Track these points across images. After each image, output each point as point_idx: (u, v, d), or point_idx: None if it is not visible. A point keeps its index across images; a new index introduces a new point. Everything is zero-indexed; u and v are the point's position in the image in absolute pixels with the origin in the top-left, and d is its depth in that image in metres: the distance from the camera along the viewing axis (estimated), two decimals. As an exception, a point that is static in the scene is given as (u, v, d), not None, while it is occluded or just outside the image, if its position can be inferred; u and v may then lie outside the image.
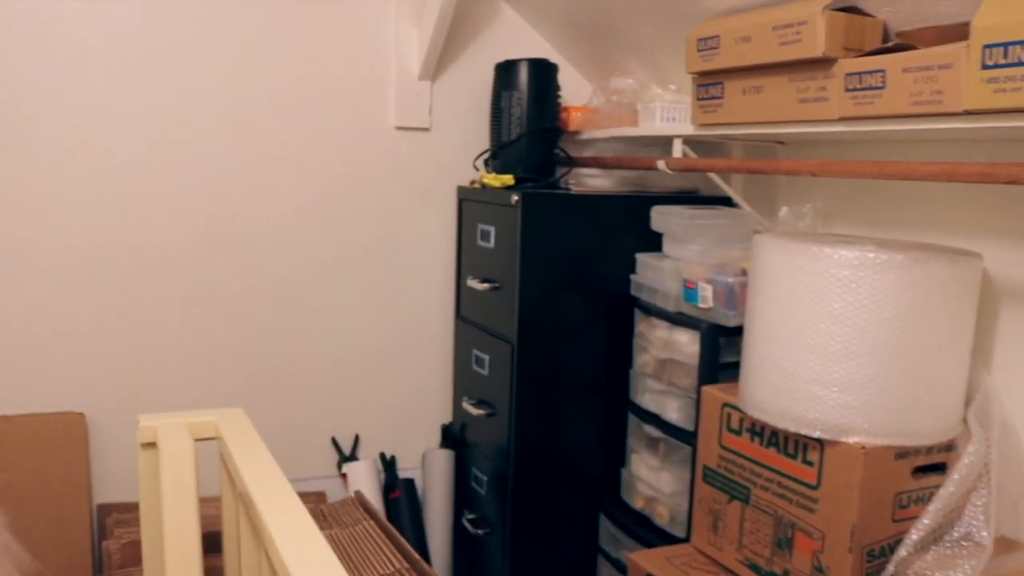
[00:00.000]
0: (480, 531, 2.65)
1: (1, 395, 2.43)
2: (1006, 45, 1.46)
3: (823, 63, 1.81)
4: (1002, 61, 1.46)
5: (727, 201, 2.52)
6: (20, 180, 2.38)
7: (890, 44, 1.77)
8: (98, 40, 2.41)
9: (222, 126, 2.56)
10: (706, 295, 2.15)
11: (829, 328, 1.73)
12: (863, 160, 1.91)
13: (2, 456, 2.36)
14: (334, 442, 2.80)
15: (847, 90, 1.77)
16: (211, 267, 2.58)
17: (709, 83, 2.14)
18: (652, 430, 2.38)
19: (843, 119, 1.79)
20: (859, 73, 1.74)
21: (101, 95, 2.43)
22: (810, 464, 1.81)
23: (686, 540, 2.23)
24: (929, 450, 1.79)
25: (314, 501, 2.65)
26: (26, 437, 2.39)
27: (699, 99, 2.19)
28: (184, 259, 2.56)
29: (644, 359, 2.41)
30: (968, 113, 1.54)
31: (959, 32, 1.60)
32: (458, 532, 2.82)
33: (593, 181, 2.69)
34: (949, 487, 1.74)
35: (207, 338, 2.61)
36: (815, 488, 1.80)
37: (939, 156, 1.92)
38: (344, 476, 2.75)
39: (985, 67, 1.49)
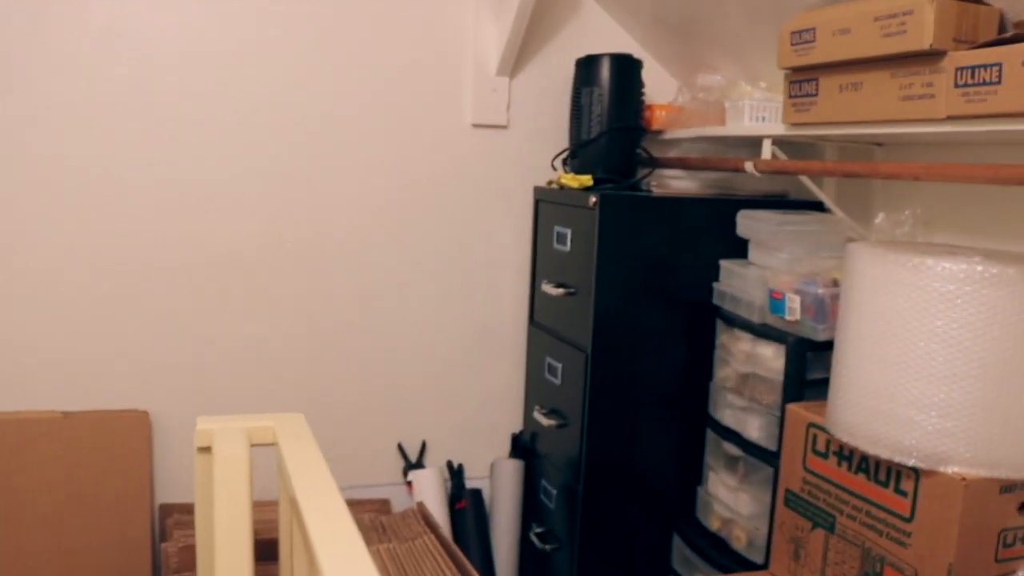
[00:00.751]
0: (548, 546, 2.54)
1: (65, 391, 2.41)
2: None
3: (931, 56, 1.66)
4: None
5: (819, 206, 2.36)
6: (98, 175, 2.36)
7: (1008, 35, 1.61)
8: (173, 40, 2.37)
9: (296, 126, 2.50)
10: (794, 306, 2.00)
11: (930, 347, 1.58)
12: (975, 164, 1.75)
13: (65, 453, 2.33)
14: (400, 449, 2.72)
15: (957, 86, 1.61)
16: (280, 269, 2.53)
17: (803, 79, 2.00)
18: (731, 448, 2.24)
19: (951, 118, 1.64)
20: (972, 67, 1.59)
21: (178, 96, 2.40)
22: (903, 494, 1.66)
23: (764, 567, 2.09)
24: (1039, 484, 1.63)
25: (378, 509, 2.58)
26: (89, 434, 2.36)
27: (791, 96, 2.04)
28: (254, 260, 2.51)
29: (725, 372, 2.28)
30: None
31: (1086, 23, 1.44)
32: (525, 546, 2.72)
33: (676, 183, 2.56)
34: (1061, 527, 1.58)
35: (275, 340, 2.56)
36: (909, 521, 1.65)
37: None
38: (410, 484, 2.67)
39: (1118, 60, 1.33)
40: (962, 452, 1.58)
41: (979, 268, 1.54)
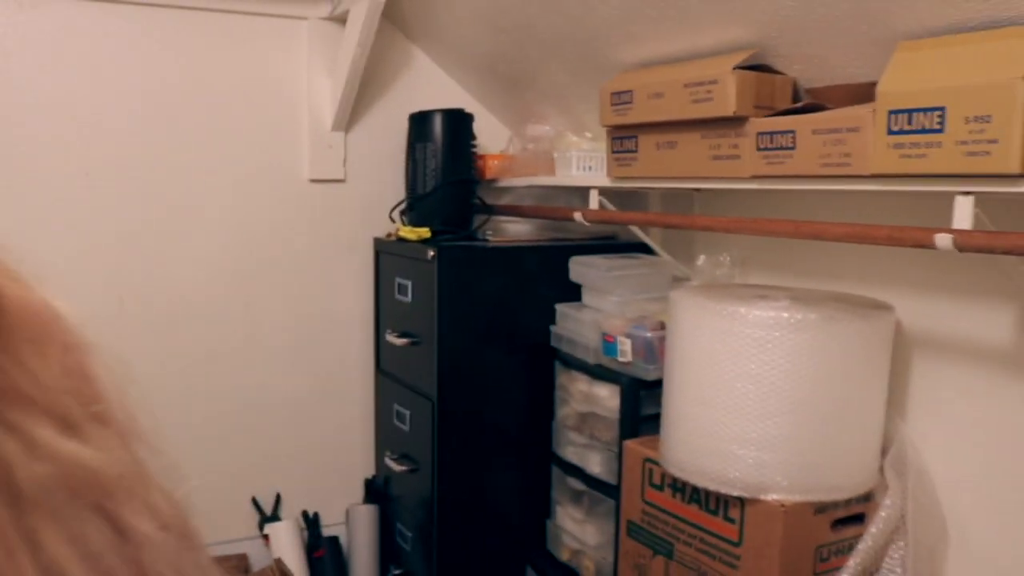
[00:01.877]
0: (405, 588, 2.60)
1: None
2: (911, 112, 1.48)
3: (735, 121, 1.82)
4: (907, 127, 1.48)
5: (646, 248, 2.52)
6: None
7: (800, 104, 1.79)
8: (13, 110, 2.33)
9: (130, 178, 2.49)
10: (625, 349, 2.14)
11: (746, 388, 1.73)
12: (777, 219, 1.93)
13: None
14: (255, 502, 2.73)
15: (759, 149, 1.78)
16: (120, 328, 2.50)
17: (624, 136, 2.15)
18: (575, 483, 2.36)
19: (755, 177, 1.80)
20: (770, 133, 1.75)
21: (21, 159, 2.35)
22: (731, 521, 1.81)
23: (612, 594, 2.21)
24: (848, 503, 1.80)
25: (235, 565, 2.58)
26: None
27: (614, 152, 2.19)
28: (90, 320, 2.47)
29: (566, 411, 2.40)
30: (875, 176, 1.56)
31: (867, 92, 1.62)
32: (383, 588, 2.77)
33: (512, 228, 2.68)
34: (867, 540, 1.76)
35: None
36: (737, 545, 1.80)
37: (853, 211, 1.94)
38: (266, 537, 2.68)
39: (891, 132, 1.51)
40: (779, 480, 1.74)
41: (785, 315, 1.70)
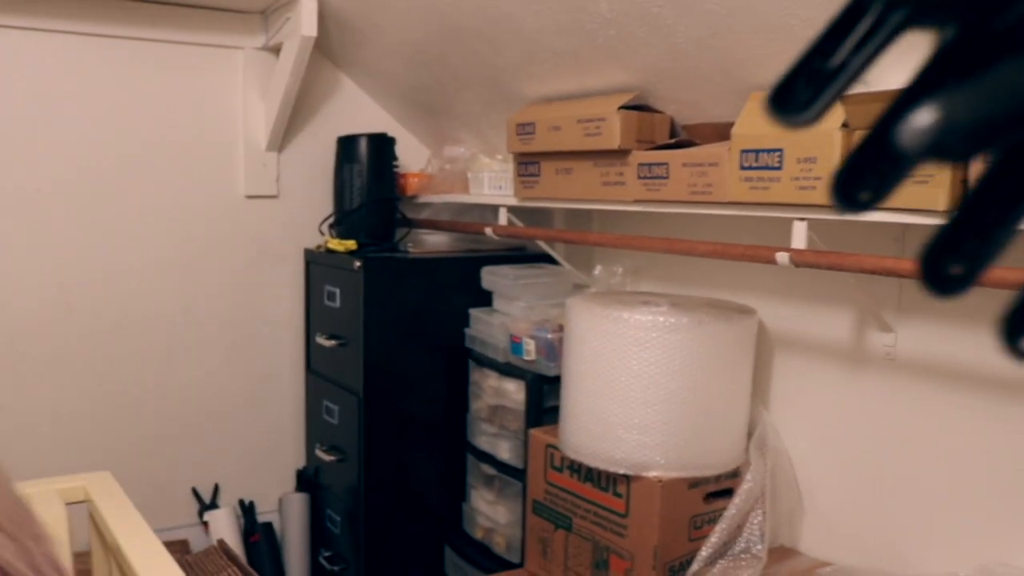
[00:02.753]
0: (336, 567, 2.86)
1: None
2: (757, 152, 1.80)
3: (620, 153, 2.13)
4: (754, 164, 1.81)
5: (550, 259, 2.82)
6: None
7: (673, 141, 2.10)
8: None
9: (79, 195, 2.69)
10: (530, 349, 2.44)
11: (628, 381, 2.04)
12: (656, 237, 2.24)
13: None
14: (195, 492, 2.96)
15: (640, 177, 2.09)
16: (69, 333, 2.71)
17: (528, 162, 2.44)
18: (488, 468, 2.65)
19: (637, 201, 2.11)
20: (648, 164, 2.06)
21: (-43, 172, 2.55)
22: (619, 496, 2.11)
23: (521, 566, 2.50)
24: (718, 479, 2.12)
25: (178, 550, 2.81)
26: None
27: (519, 175, 2.48)
28: (42, 325, 2.68)
29: (479, 405, 2.68)
30: (731, 203, 1.88)
31: (728, 130, 1.93)
32: (316, 570, 3.02)
33: (431, 240, 2.95)
34: (731, 510, 2.07)
35: (71, 402, 2.74)
36: (624, 516, 2.10)
37: (718, 230, 2.26)
38: (206, 524, 2.91)
39: (743, 168, 1.83)
40: (658, 460, 2.05)
41: (661, 319, 2.01)
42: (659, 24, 1.88)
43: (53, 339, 2.70)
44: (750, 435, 2.20)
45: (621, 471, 2.07)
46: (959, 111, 0.30)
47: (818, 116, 0.36)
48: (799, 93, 0.36)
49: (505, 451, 2.56)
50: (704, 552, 2.05)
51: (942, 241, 0.35)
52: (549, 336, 2.40)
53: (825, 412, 2.15)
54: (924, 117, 0.30)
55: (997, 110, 0.31)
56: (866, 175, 0.35)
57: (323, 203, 2.99)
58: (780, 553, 2.17)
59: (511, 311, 2.58)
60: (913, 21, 0.33)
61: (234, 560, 2.33)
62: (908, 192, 1.50)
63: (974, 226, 0.35)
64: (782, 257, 1.79)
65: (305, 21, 2.61)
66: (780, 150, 1.75)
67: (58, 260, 2.69)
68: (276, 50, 2.84)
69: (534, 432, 2.37)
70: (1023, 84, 0.31)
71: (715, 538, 2.06)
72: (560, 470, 2.27)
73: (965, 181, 1.50)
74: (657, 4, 1.83)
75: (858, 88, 0.38)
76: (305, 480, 3.08)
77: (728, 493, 2.13)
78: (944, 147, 0.30)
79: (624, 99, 2.13)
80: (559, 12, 2.04)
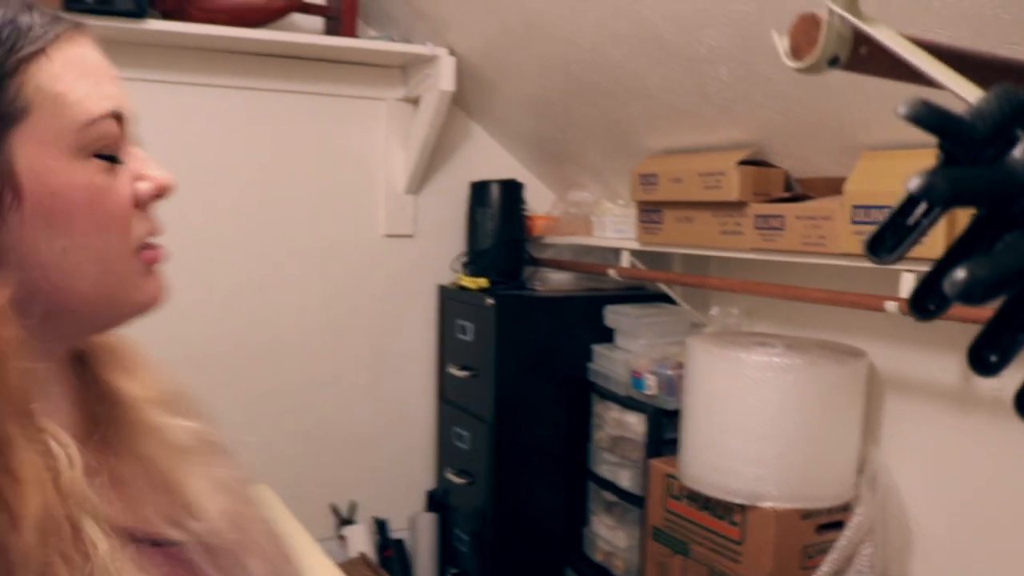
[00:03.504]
0: (462, 584, 3.07)
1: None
2: (868, 208, 1.94)
3: (738, 205, 2.29)
4: (865, 219, 1.95)
5: (669, 299, 2.98)
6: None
7: (789, 194, 2.25)
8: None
9: (239, 235, 2.98)
10: (651, 384, 2.60)
11: (745, 417, 2.19)
12: (770, 283, 2.39)
13: None
14: (333, 508, 3.21)
15: (756, 228, 2.24)
16: (233, 362, 2.99)
17: (650, 210, 2.62)
18: (608, 495, 2.81)
19: (753, 249, 2.27)
20: (765, 216, 2.22)
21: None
22: (735, 524, 2.25)
23: (638, 588, 2.66)
24: (829, 511, 2.24)
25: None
26: None
27: (642, 222, 2.66)
28: (211, 355, 2.95)
29: (600, 435, 2.86)
30: (842, 255, 2.02)
31: (840, 185, 2.07)
32: (442, 585, 3.23)
33: (556, 278, 3.15)
34: (842, 541, 2.20)
35: (233, 422, 3.01)
36: (740, 544, 2.24)
37: (830, 278, 2.39)
38: (343, 538, 3.15)
39: (854, 222, 1.97)
40: (773, 491, 2.19)
41: (776, 360, 2.16)
42: (774, 88, 2.04)
43: (221, 368, 2.97)
44: (861, 471, 2.32)
45: (737, 501, 2.22)
46: (981, 272, 0.47)
47: (899, 258, 0.55)
48: (887, 241, 0.54)
49: (626, 479, 2.72)
50: (816, 578, 2.17)
51: (983, 337, 0.52)
52: (669, 372, 2.56)
53: (935, 451, 2.26)
54: (959, 275, 0.47)
55: (1008, 270, 0.48)
56: (929, 298, 0.53)
57: (456, 242, 3.21)
58: (890, 585, 2.28)
59: (632, 348, 2.75)
60: (954, 206, 0.51)
61: (377, 571, 2.55)
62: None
63: (1006, 329, 0.52)
64: (890, 306, 1.93)
65: (444, 77, 2.85)
66: (890, 207, 1.89)
67: (223, 297, 2.97)
68: (415, 101, 3.09)
69: (654, 462, 2.53)
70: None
71: (826, 568, 2.18)
72: (679, 498, 2.42)
73: None
74: (772, 71, 1.99)
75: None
76: (435, 501, 3.29)
77: (839, 525, 2.25)
78: (971, 294, 0.47)
79: (742, 155, 2.29)
80: (681, 75, 2.22)
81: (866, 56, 0.65)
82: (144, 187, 0.86)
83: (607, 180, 3.05)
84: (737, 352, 2.21)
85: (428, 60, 2.88)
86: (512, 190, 3.05)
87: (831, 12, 0.64)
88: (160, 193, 0.88)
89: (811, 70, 0.66)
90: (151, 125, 2.79)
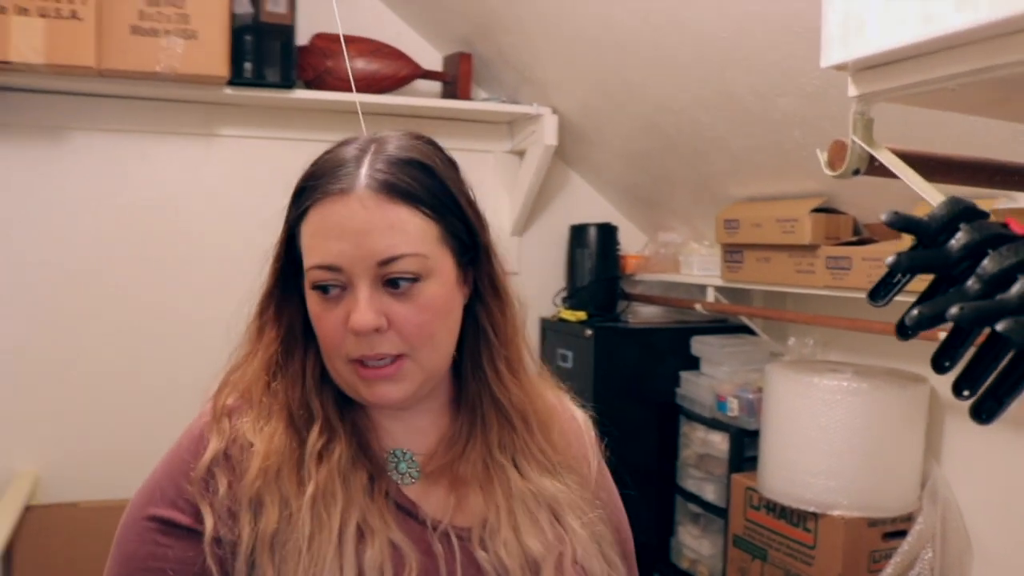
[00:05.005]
0: (560, 587, 3.38)
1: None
2: (923, 251, 2.24)
3: (810, 248, 2.60)
4: (921, 261, 2.24)
5: (750, 330, 3.28)
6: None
7: (856, 238, 2.56)
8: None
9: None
10: (733, 406, 2.91)
11: (818, 435, 2.49)
12: (840, 317, 2.69)
13: None
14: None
15: (827, 268, 2.55)
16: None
17: (733, 251, 2.94)
18: (694, 507, 3.12)
19: (825, 287, 2.58)
20: (834, 257, 2.53)
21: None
22: (808, 531, 2.54)
23: (722, 591, 2.96)
24: (893, 520, 2.51)
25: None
26: None
27: (726, 261, 2.98)
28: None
29: (687, 453, 3.17)
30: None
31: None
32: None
33: (645, 311, 3.48)
34: (904, 547, 2.47)
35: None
36: (812, 548, 2.53)
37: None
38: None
39: (911, 264, 2.27)
40: (842, 501, 2.48)
41: (845, 384, 2.46)
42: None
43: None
44: (923, 485, 2.59)
45: (810, 510, 2.51)
46: (926, 310, 0.80)
47: (887, 303, 0.88)
48: (881, 292, 0.88)
49: (710, 492, 3.03)
50: (881, 580, 2.46)
51: (987, 390, 0.83)
52: (750, 396, 2.87)
53: (993, 468, 2.51)
54: (912, 312, 0.81)
55: (941, 310, 0.81)
56: (906, 327, 0.86)
57: (557, 279, 3.57)
58: (949, 589, 2.54)
59: (716, 374, 3.07)
60: (914, 274, 0.84)
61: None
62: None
63: (979, 368, 0.83)
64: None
65: (547, 133, 3.22)
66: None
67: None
68: (521, 153, 3.47)
69: (736, 476, 2.84)
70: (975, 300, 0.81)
71: (890, 570, 2.46)
72: (758, 509, 2.72)
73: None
74: (840, 133, 2.30)
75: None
76: (535, 512, 3.62)
77: (903, 534, 2.52)
78: (920, 324, 0.80)
79: (814, 203, 2.61)
80: (761, 136, 2.55)
81: (878, 166, 0.99)
82: (348, 324, 1.07)
83: (694, 223, 3.38)
84: (811, 377, 2.52)
85: (533, 118, 3.26)
86: (607, 232, 3.41)
87: (853, 141, 0.98)
88: (353, 331, 1.07)
89: (841, 177, 1.00)
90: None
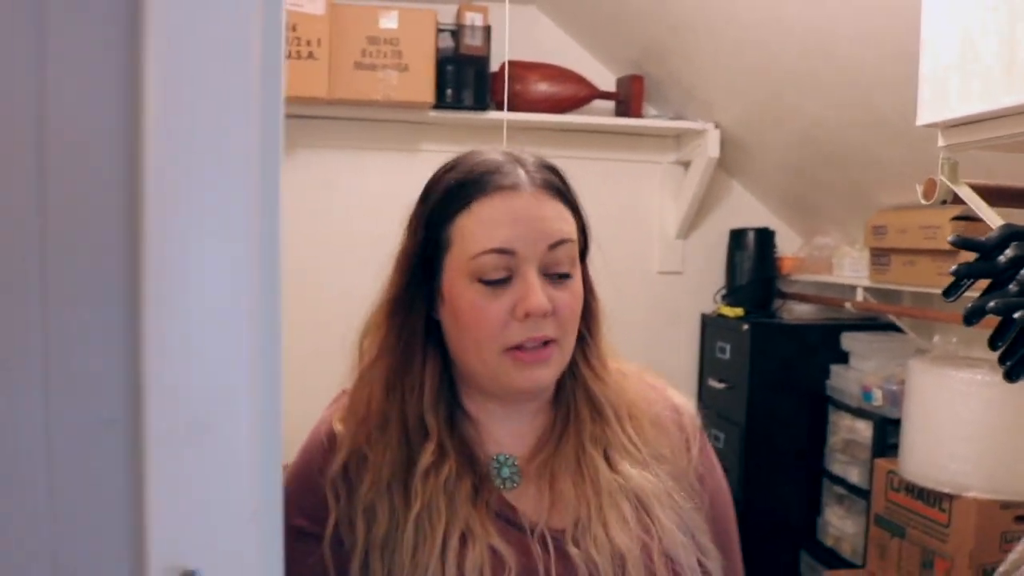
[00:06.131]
0: (714, 559, 3.71)
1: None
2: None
3: (952, 253, 2.86)
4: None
5: (897, 327, 3.53)
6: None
7: (993, 245, 2.80)
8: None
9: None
10: (878, 397, 3.18)
11: (955, 424, 2.74)
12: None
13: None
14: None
15: (966, 272, 2.80)
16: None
17: (880, 255, 3.21)
18: (840, 489, 3.40)
19: (964, 289, 2.82)
20: (973, 263, 2.77)
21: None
22: (944, 511, 2.80)
23: (863, 567, 3.23)
24: (1025, 504, 2.75)
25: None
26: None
27: (873, 264, 3.25)
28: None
29: (834, 440, 3.45)
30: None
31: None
32: None
33: (799, 308, 3.77)
34: (1034, 527, 2.71)
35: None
36: (947, 527, 2.79)
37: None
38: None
39: (1041, 270, 2.52)
40: (976, 483, 2.72)
41: (980, 377, 2.71)
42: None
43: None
44: (1057, 473, 2.81)
45: (946, 491, 2.76)
46: (978, 303, 1.14)
47: (957, 299, 1.22)
48: (953, 292, 1.22)
49: (855, 475, 3.31)
50: (1011, 556, 2.69)
51: (1016, 360, 1.17)
52: (894, 388, 3.14)
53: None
54: (969, 305, 1.14)
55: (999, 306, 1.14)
56: (978, 313, 1.20)
57: (717, 278, 3.89)
58: (1079, 569, 2.75)
59: (864, 368, 3.35)
60: (973, 279, 1.18)
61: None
62: None
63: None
64: (1070, 336, 2.45)
65: (710, 146, 3.56)
66: None
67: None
68: (685, 164, 3.81)
69: (878, 461, 3.11)
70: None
71: (1020, 547, 2.70)
72: (898, 490, 2.99)
73: None
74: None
75: None
76: (693, 491, 3.95)
77: (1036, 518, 2.75)
78: (973, 314, 1.14)
79: (956, 211, 2.86)
80: (908, 150, 2.83)
81: (958, 197, 1.32)
82: (518, 308, 1.10)
83: (847, 228, 3.65)
84: (949, 371, 2.78)
85: (698, 133, 3.61)
86: (765, 236, 3.72)
87: (941, 180, 1.32)
88: (528, 315, 1.10)
89: (932, 207, 1.34)
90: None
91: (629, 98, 3.59)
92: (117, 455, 0.56)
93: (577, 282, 1.19)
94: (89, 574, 0.58)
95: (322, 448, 1.18)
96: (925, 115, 1.25)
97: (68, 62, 0.55)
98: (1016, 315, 1.09)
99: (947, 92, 1.24)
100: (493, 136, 3.61)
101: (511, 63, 3.48)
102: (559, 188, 1.19)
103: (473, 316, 1.11)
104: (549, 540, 1.11)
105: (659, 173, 3.90)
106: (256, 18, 0.59)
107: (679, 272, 3.93)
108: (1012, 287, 1.14)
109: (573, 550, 1.11)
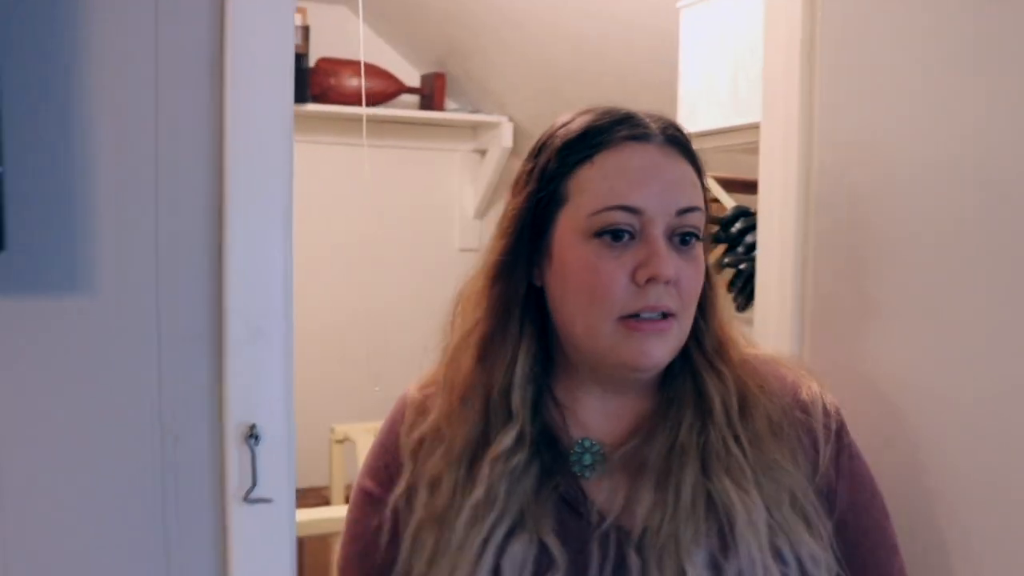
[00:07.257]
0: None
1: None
2: None
3: (707, 230, 3.42)
4: None
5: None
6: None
7: None
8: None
9: (354, 255, 4.09)
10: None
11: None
12: None
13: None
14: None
15: None
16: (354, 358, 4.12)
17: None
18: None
19: None
20: None
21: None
22: None
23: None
24: None
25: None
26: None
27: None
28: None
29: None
30: None
31: None
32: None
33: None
34: None
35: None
36: None
37: None
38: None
39: None
40: None
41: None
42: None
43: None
44: None
45: None
46: None
47: None
48: None
49: None
50: None
51: None
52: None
53: None
54: None
55: None
56: None
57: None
58: None
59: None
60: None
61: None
62: None
63: None
64: None
65: (504, 136, 4.01)
66: None
67: (334, 304, 4.07)
68: (482, 152, 4.22)
69: None
70: None
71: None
72: None
73: None
74: None
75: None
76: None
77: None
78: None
79: (710, 196, 3.42)
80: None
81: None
82: (640, 272, 0.99)
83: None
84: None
85: (493, 125, 4.03)
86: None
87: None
88: (653, 279, 0.98)
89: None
90: (315, 174, 3.95)
91: (432, 93, 3.97)
92: (206, 352, 0.93)
93: (701, 256, 1.07)
94: (187, 428, 0.94)
95: (401, 414, 1.18)
96: (687, 124, 1.72)
97: (173, 113, 0.91)
98: (741, 267, 1.57)
99: (696, 111, 1.72)
100: (312, 126, 3.91)
101: (325, 60, 3.80)
102: (691, 151, 1.09)
103: (588, 277, 1.01)
104: (612, 539, 1.03)
105: (458, 160, 4.29)
106: (288, 69, 0.96)
107: (477, 249, 4.29)
108: (740, 249, 1.62)
109: (633, 558, 1.01)
